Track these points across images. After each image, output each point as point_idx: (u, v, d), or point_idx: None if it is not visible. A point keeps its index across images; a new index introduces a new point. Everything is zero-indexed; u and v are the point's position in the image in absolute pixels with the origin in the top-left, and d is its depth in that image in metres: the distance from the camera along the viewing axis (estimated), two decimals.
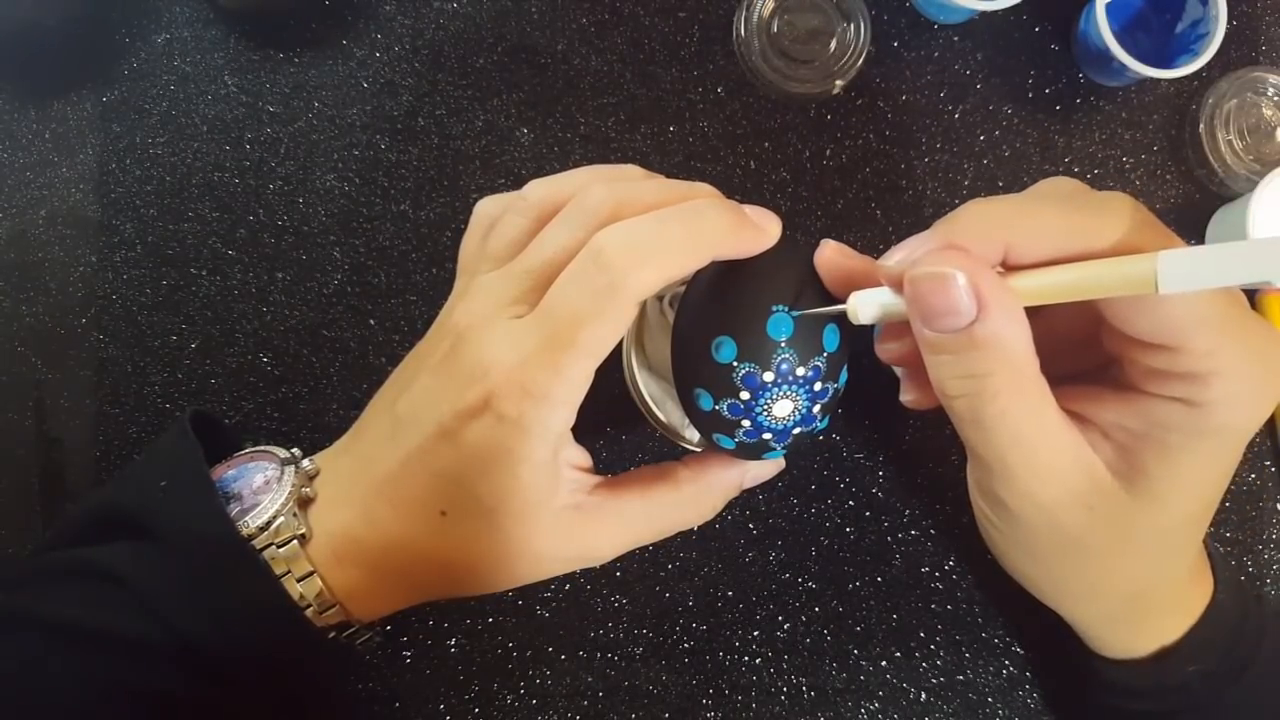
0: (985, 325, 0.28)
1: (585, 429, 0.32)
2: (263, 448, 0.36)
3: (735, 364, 0.31)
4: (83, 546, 0.33)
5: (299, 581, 0.32)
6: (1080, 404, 0.31)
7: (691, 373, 0.32)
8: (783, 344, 0.31)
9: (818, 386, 0.32)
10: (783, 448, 0.34)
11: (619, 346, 0.36)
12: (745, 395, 0.31)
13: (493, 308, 0.31)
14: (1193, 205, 0.49)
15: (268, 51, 0.48)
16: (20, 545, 0.45)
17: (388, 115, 0.48)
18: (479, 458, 0.30)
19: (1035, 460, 0.30)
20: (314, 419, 0.46)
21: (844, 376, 0.33)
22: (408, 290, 0.47)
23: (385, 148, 0.47)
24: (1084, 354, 0.33)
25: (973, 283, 0.27)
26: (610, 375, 0.31)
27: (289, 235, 0.47)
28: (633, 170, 0.35)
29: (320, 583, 0.32)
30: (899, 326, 0.32)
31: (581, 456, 0.34)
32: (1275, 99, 0.47)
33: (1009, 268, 0.29)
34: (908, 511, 0.46)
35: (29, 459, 0.45)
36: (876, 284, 0.31)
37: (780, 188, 0.47)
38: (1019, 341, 0.28)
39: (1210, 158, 0.47)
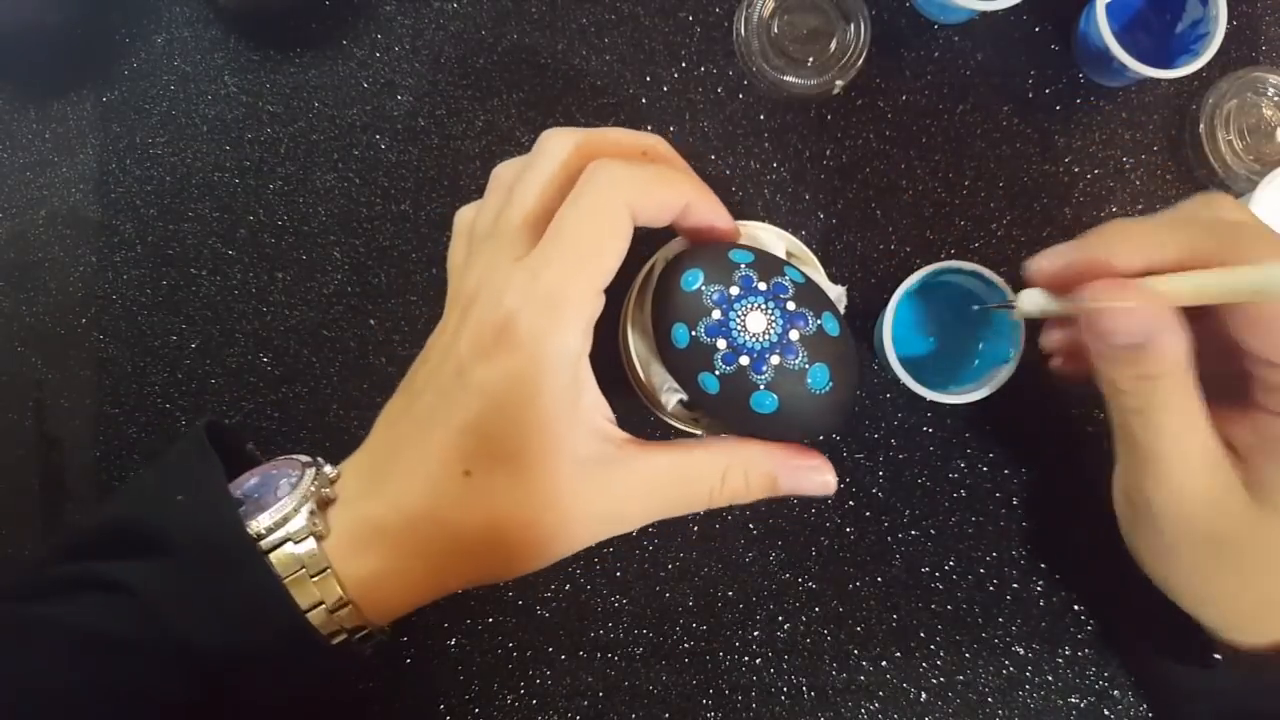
0: (1158, 342, 0.32)
1: None
2: (287, 457, 0.35)
3: (703, 287, 0.33)
4: (97, 559, 0.32)
5: (312, 579, 0.31)
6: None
7: (667, 311, 0.34)
8: (743, 266, 0.34)
9: (790, 306, 0.33)
10: (766, 386, 0.33)
11: (617, 320, 0.37)
12: (716, 314, 0.33)
13: (499, 261, 0.32)
14: None
15: (268, 51, 0.48)
16: (20, 545, 0.45)
17: (388, 115, 0.48)
18: (497, 397, 0.31)
19: (1187, 453, 0.33)
20: (314, 419, 0.46)
21: (833, 323, 0.34)
22: (408, 290, 0.47)
23: (385, 148, 0.47)
24: (1218, 374, 0.35)
25: (1145, 311, 0.32)
26: (605, 351, 0.32)
27: (289, 235, 0.47)
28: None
29: (335, 582, 0.31)
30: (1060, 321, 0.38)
31: (604, 406, 0.33)
32: (1275, 99, 0.47)
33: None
34: (908, 511, 0.46)
35: (29, 459, 0.46)
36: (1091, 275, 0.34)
37: (780, 188, 0.47)
38: (1183, 348, 0.32)
39: (1210, 158, 0.47)
